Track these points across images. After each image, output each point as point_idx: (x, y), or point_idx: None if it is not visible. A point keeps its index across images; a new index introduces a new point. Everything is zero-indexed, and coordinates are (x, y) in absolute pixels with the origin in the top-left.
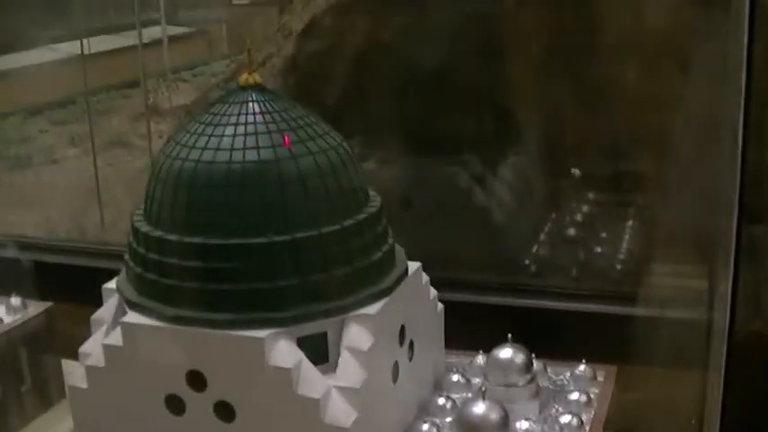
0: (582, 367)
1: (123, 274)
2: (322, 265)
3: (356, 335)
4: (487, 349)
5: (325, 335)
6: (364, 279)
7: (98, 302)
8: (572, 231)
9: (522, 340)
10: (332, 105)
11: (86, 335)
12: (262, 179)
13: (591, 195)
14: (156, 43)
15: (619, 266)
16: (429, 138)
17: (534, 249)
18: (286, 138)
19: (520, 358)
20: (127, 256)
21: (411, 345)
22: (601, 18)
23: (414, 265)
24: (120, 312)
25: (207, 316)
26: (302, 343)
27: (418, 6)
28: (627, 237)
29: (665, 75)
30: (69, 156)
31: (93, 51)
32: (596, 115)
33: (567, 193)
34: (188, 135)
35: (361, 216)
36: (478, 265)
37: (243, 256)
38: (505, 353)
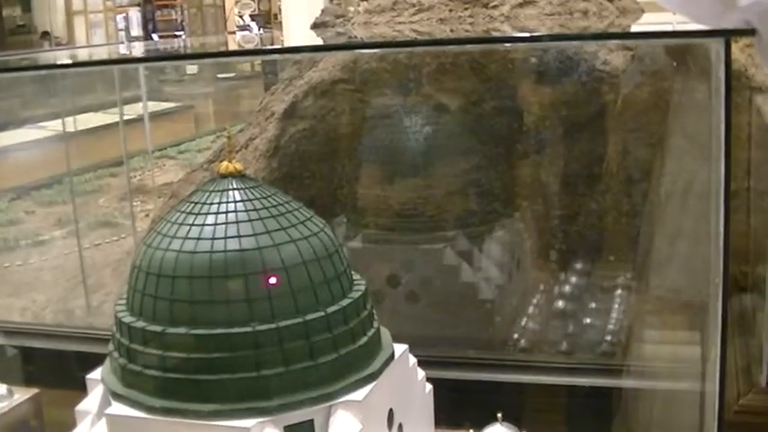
0: None
1: (107, 363)
2: (307, 353)
3: (343, 422)
4: (477, 426)
5: (311, 422)
6: (350, 365)
7: (85, 387)
8: (561, 304)
9: (511, 417)
10: (314, 186)
11: (74, 421)
12: (244, 268)
13: (579, 267)
14: (143, 120)
15: (609, 338)
16: (414, 216)
17: (522, 323)
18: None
19: None
20: (111, 347)
21: (400, 428)
22: (578, 95)
23: (400, 348)
24: (105, 403)
25: (192, 407)
26: (289, 431)
27: (400, 88)
28: (617, 308)
29: (649, 148)
30: (56, 237)
31: (79, 129)
32: (582, 190)
33: (554, 266)
34: (169, 225)
35: (346, 302)
36: (465, 342)
37: (227, 347)
38: None
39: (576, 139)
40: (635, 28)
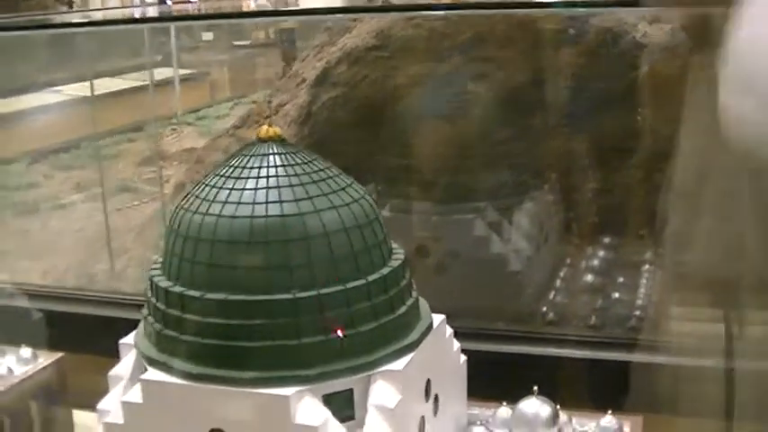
0: (608, 418)
1: (141, 329)
2: (348, 321)
3: (383, 392)
4: (509, 400)
5: (351, 392)
6: (390, 334)
7: (109, 353)
8: (590, 278)
9: (543, 391)
10: (347, 154)
11: (97, 386)
12: (285, 234)
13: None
14: (158, 86)
15: (638, 313)
16: (444, 186)
17: (552, 297)
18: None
19: (546, 411)
20: (145, 311)
21: (436, 399)
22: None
23: (438, 318)
24: (138, 369)
25: (230, 374)
26: (328, 400)
27: (436, 56)
28: (645, 283)
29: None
30: (75, 201)
31: (96, 94)
32: (611, 165)
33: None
34: (207, 188)
35: (386, 270)
36: (496, 315)
37: (267, 313)
38: (531, 405)
39: (608, 113)
40: None
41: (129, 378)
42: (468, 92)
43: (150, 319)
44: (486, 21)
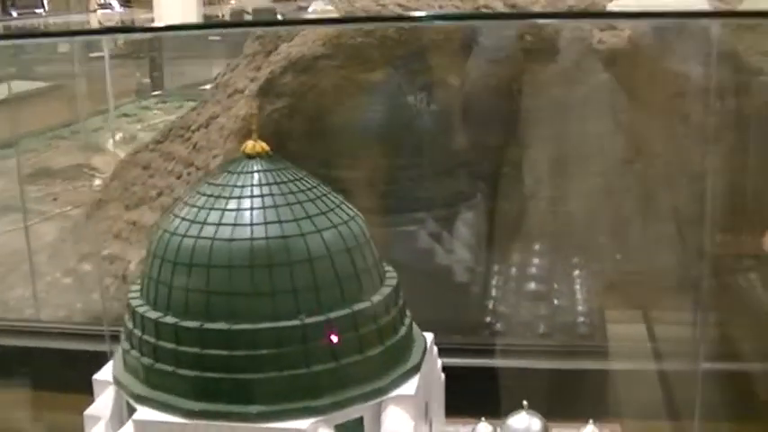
0: (590, 428)
1: (120, 363)
2: (356, 346)
3: (397, 418)
4: (485, 415)
5: (361, 420)
6: (394, 357)
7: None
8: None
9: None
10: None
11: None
12: (289, 256)
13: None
14: (16, 100)
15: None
16: (398, 197)
17: (502, 308)
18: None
19: (537, 425)
20: (126, 344)
21: (429, 421)
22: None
23: (429, 336)
24: (120, 407)
25: (236, 409)
26: (340, 430)
27: (387, 63)
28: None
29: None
30: None
31: None
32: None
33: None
34: (193, 209)
35: (387, 290)
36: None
37: (274, 342)
38: (521, 420)
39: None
40: (612, 6)
41: (110, 418)
42: (421, 100)
43: (134, 353)
44: (439, 29)
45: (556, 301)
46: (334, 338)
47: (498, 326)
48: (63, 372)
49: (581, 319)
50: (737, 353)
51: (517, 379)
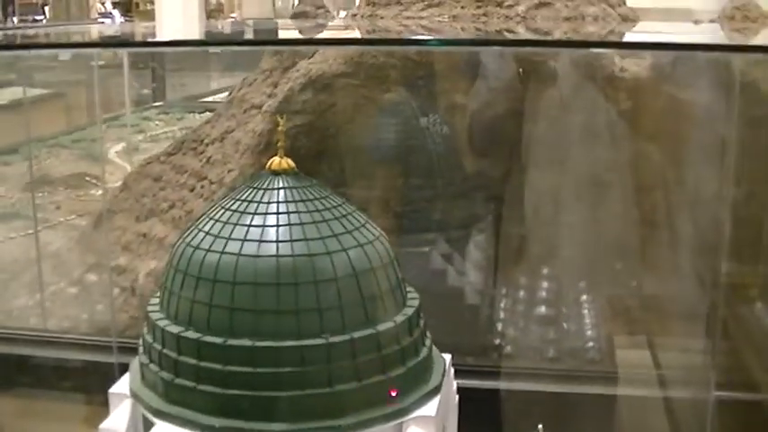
0: None
1: (137, 377)
2: (379, 366)
3: None
4: None
5: None
6: (416, 378)
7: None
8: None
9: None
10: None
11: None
12: (314, 275)
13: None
14: (10, 107)
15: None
16: (416, 218)
17: (511, 331)
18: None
19: None
20: (144, 358)
21: None
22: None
23: (447, 357)
24: (136, 421)
25: (259, 426)
26: None
27: (407, 85)
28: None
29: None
30: None
31: None
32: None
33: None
34: (217, 223)
35: (409, 311)
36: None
37: (297, 360)
38: None
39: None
40: (631, 35)
41: (126, 431)
42: (441, 122)
43: (153, 366)
44: (460, 51)
45: (565, 326)
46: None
47: (508, 348)
48: (69, 382)
49: (590, 344)
50: (750, 382)
51: (526, 402)
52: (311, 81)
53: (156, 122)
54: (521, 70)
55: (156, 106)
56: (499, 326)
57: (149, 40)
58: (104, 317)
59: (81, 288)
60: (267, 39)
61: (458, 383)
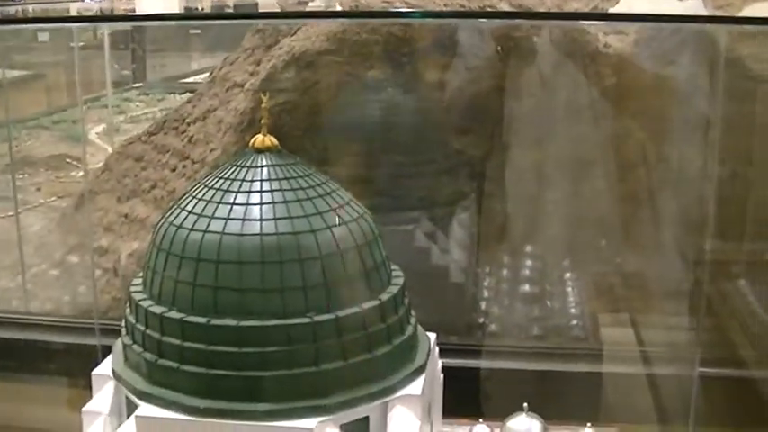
0: (587, 431)
1: (120, 358)
2: (365, 345)
3: (404, 418)
4: (486, 416)
5: (366, 419)
6: (401, 357)
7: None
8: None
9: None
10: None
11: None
12: (299, 253)
13: None
14: None
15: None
16: (399, 196)
17: (497, 310)
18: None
19: (537, 427)
20: (127, 339)
21: (430, 421)
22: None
23: (432, 336)
24: (120, 403)
25: (242, 407)
26: (345, 429)
27: (392, 60)
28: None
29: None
30: None
31: None
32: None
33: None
34: (200, 202)
35: (395, 289)
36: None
37: (283, 339)
38: (522, 423)
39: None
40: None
41: (109, 413)
42: (425, 99)
43: (136, 347)
44: (444, 27)
45: (550, 304)
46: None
47: (492, 327)
48: (52, 365)
49: (575, 321)
50: (734, 359)
51: (512, 381)
52: (294, 59)
53: (137, 103)
54: (503, 47)
55: (137, 87)
56: (483, 304)
57: (130, 14)
58: (87, 298)
59: (63, 270)
60: (247, 12)
61: (443, 362)
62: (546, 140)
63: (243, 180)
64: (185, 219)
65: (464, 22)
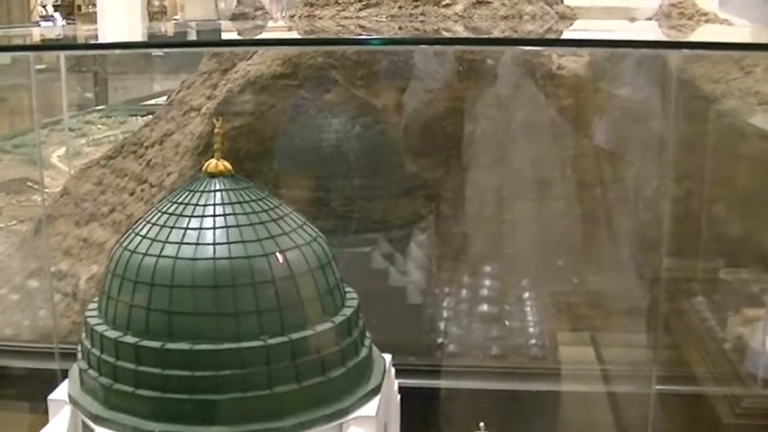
0: None
1: (76, 383)
2: (319, 367)
3: None
4: None
5: None
6: (356, 378)
7: None
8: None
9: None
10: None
11: None
12: (252, 276)
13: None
14: None
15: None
16: (358, 219)
17: (456, 330)
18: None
19: None
20: (83, 363)
21: None
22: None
23: (387, 358)
24: (76, 428)
25: (199, 430)
26: None
27: (347, 84)
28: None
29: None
30: None
31: None
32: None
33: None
34: (154, 227)
35: (348, 311)
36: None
37: (237, 363)
38: None
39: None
40: (569, 33)
41: None
42: (381, 122)
43: (92, 372)
44: (399, 51)
45: (508, 323)
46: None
47: (451, 347)
48: (11, 390)
49: (533, 341)
50: (690, 376)
51: (470, 400)
52: (250, 82)
53: (99, 126)
54: (458, 69)
55: (99, 110)
56: (442, 325)
57: (91, 42)
58: (47, 323)
59: (23, 294)
60: (204, 40)
61: (401, 383)
62: (502, 161)
63: (196, 204)
64: (139, 244)
65: (419, 46)
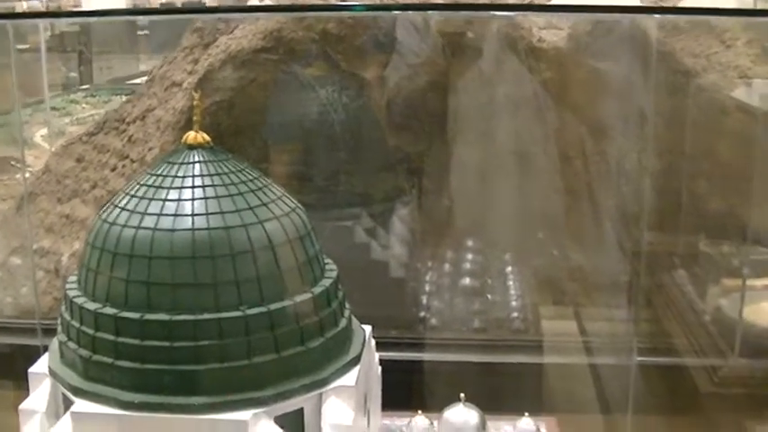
0: (525, 420)
1: (56, 355)
2: (298, 337)
3: (338, 409)
4: (423, 408)
5: (301, 411)
6: (335, 349)
7: None
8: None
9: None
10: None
11: None
12: (231, 247)
13: None
14: None
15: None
16: (337, 192)
17: (438, 304)
18: None
19: (474, 418)
20: (62, 336)
21: (368, 413)
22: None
23: (367, 328)
24: (57, 400)
25: (177, 401)
26: (279, 422)
27: (328, 58)
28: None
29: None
30: None
31: None
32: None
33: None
34: (133, 199)
35: (327, 282)
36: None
37: (216, 333)
38: (459, 413)
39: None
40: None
41: (46, 412)
42: (363, 96)
43: (72, 344)
44: (381, 23)
45: (490, 297)
46: None
47: (433, 320)
48: None
49: (515, 314)
50: (670, 348)
51: (452, 373)
52: (231, 57)
53: (84, 105)
54: (439, 42)
55: (84, 89)
56: (424, 298)
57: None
58: (29, 300)
59: (5, 271)
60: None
61: (383, 356)
62: (484, 135)
63: (175, 176)
64: (118, 215)
65: (402, 17)
